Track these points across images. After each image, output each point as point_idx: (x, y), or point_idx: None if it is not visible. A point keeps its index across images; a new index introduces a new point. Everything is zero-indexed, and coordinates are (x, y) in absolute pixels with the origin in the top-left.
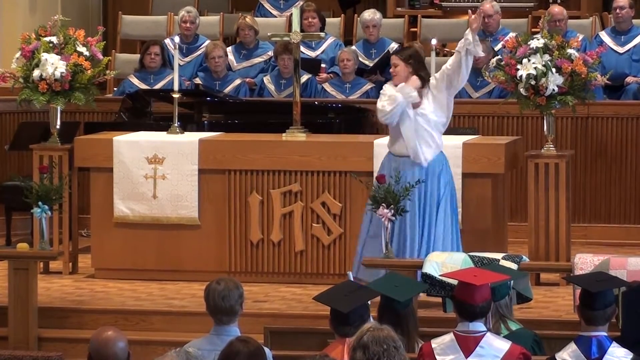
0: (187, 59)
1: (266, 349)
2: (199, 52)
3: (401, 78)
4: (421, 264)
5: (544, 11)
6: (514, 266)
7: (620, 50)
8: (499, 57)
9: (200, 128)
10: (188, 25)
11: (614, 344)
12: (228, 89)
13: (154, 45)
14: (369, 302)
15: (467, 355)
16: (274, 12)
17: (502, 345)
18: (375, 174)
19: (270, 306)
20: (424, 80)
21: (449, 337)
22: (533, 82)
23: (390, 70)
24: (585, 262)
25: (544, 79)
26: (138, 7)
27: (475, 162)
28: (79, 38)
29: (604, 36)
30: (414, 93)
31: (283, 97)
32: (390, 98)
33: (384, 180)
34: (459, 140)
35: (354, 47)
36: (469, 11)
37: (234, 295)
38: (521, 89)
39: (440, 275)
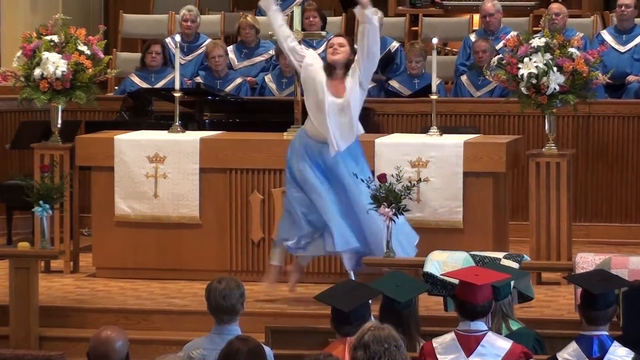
0: (188, 57)
1: (267, 348)
2: (200, 51)
3: (343, 57)
4: (422, 262)
5: (545, 10)
6: (515, 265)
7: (622, 49)
8: (500, 56)
9: (201, 127)
10: (189, 24)
11: (615, 343)
12: (229, 87)
13: (155, 44)
14: (370, 301)
15: (468, 354)
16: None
17: (504, 344)
18: (376, 173)
19: (272, 305)
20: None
21: (450, 337)
22: (534, 81)
23: (334, 48)
24: (586, 261)
25: (545, 78)
26: (139, 5)
27: (477, 161)
28: (80, 37)
29: (606, 35)
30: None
31: (284, 96)
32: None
33: (386, 179)
34: (460, 139)
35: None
36: None
37: (235, 294)
38: (522, 88)
39: (441, 275)
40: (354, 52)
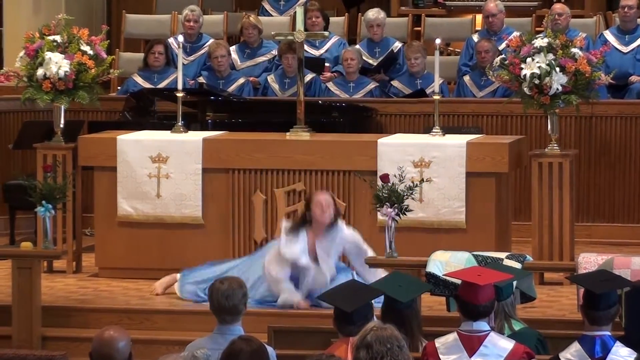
0: (191, 58)
1: (270, 348)
2: (202, 51)
3: (330, 219)
4: (425, 262)
5: (547, 10)
6: (517, 265)
7: (624, 49)
8: (503, 56)
9: (204, 127)
10: (192, 24)
11: (618, 343)
12: (232, 88)
13: (158, 44)
14: (373, 302)
15: (470, 354)
16: (274, 13)
17: (506, 344)
18: (379, 173)
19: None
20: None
21: (452, 337)
22: (537, 82)
23: (323, 209)
24: (589, 261)
25: (547, 78)
26: (142, 6)
27: (479, 162)
28: (82, 37)
29: (608, 35)
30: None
31: (287, 96)
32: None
33: (388, 180)
34: (463, 139)
35: (357, 46)
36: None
37: (237, 294)
38: (525, 88)
39: (443, 275)
40: (337, 211)
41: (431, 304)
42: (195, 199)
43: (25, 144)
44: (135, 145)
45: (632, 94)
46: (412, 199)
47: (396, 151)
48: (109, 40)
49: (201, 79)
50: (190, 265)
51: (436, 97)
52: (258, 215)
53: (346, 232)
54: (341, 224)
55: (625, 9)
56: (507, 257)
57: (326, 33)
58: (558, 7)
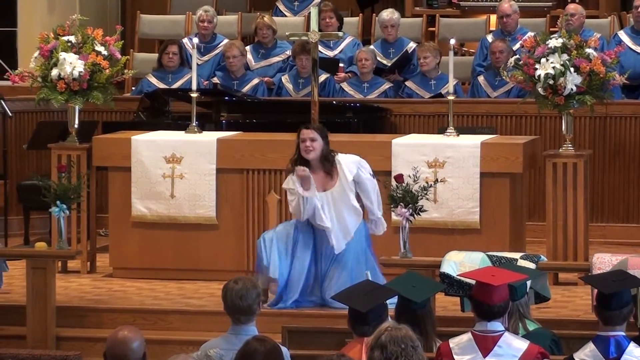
0: (205, 58)
1: (284, 348)
2: (217, 52)
3: (317, 153)
4: (439, 263)
5: (562, 10)
6: (532, 266)
7: (639, 49)
8: (517, 56)
9: (218, 127)
10: (206, 24)
11: (632, 343)
12: (246, 88)
13: (172, 45)
14: (387, 302)
15: (485, 354)
16: (288, 13)
17: (520, 344)
18: (393, 173)
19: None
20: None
21: (466, 337)
22: (551, 82)
23: (307, 144)
24: (603, 261)
25: (562, 79)
26: (156, 6)
27: (494, 162)
28: (97, 37)
29: (623, 35)
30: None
31: (301, 97)
32: (292, 193)
33: (402, 180)
34: (477, 139)
35: (372, 47)
36: None
37: (251, 294)
38: (539, 89)
39: (458, 275)
40: (327, 142)
41: (445, 304)
42: (209, 199)
43: (40, 145)
44: (149, 146)
45: None
46: (427, 199)
47: (410, 151)
48: (123, 41)
49: (215, 80)
50: (204, 266)
51: (450, 97)
52: (272, 216)
53: (347, 168)
54: (340, 158)
55: (639, 9)
56: (522, 258)
57: (340, 33)
58: (572, 7)
